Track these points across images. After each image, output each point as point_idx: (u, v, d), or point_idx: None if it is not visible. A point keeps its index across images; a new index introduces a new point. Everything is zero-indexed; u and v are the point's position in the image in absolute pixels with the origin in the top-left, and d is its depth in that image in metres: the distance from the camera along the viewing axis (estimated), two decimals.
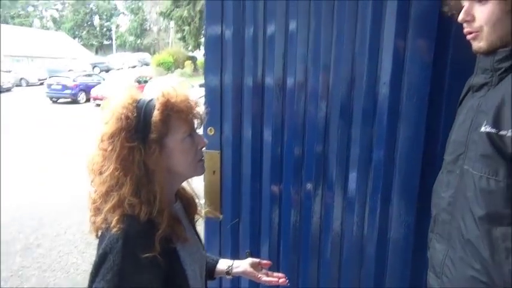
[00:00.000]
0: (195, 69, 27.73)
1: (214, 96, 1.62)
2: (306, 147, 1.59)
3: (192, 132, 0.97)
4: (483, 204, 1.04)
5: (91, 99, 17.36)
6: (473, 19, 1.05)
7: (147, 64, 33.71)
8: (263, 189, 1.64)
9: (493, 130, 1.01)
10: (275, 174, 1.62)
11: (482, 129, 1.04)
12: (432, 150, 1.48)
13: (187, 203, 1.08)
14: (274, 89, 1.59)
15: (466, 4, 1.06)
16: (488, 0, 1.01)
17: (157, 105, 0.91)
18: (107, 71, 30.55)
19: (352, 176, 1.56)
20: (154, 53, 37.29)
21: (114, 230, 0.84)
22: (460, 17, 1.08)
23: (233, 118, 1.62)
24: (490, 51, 1.06)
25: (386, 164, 1.52)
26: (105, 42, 56.42)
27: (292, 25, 1.56)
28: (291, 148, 1.60)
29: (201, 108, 0.98)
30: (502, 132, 0.99)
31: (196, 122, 0.99)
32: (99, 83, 19.53)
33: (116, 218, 0.85)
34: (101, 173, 0.89)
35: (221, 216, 1.46)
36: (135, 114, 0.90)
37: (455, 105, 1.36)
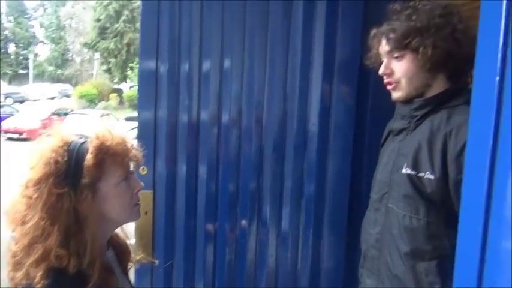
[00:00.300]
0: (121, 102, 26.84)
1: (147, 133, 1.58)
2: (241, 184, 1.61)
3: (127, 175, 0.92)
4: (407, 241, 1.12)
5: (1, 132, 15.83)
6: (392, 72, 1.18)
7: (67, 96, 31.85)
8: (198, 228, 1.60)
9: (413, 172, 1.12)
10: (210, 211, 1.60)
11: (403, 171, 1.14)
12: (358, 186, 1.59)
13: (120, 250, 1.01)
14: (210, 125, 1.60)
15: (385, 59, 1.20)
16: (403, 57, 1.14)
17: (91, 149, 0.86)
18: (22, 101, 28.25)
19: (286, 212, 1.61)
20: (76, 84, 35.49)
21: (38, 286, 0.77)
22: (381, 71, 1.21)
23: (167, 155, 1.59)
24: (407, 100, 1.19)
25: (316, 199, 1.59)
26: (21, 72, 52.50)
27: (227, 63, 1.60)
28: (226, 185, 1.61)
29: (138, 151, 0.95)
30: (421, 174, 1.10)
31: (132, 164, 0.95)
32: (12, 114, 17.94)
33: (40, 273, 0.78)
34: (23, 223, 0.82)
35: (157, 262, 1.39)
36: (65, 158, 0.84)
37: (377, 145, 1.48)
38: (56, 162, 0.83)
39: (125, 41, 30.40)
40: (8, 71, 51.00)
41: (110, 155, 0.88)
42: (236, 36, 1.59)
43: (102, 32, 31.09)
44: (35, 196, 0.81)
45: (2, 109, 18.53)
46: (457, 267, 0.76)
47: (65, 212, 0.82)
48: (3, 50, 52.20)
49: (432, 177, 1.08)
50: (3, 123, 15.93)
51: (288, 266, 1.61)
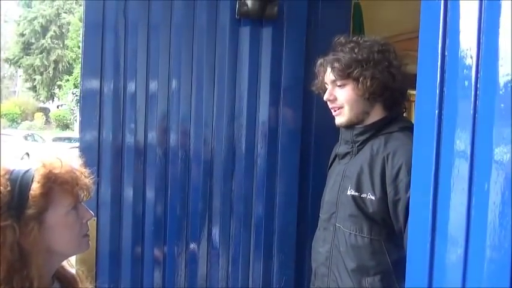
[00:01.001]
0: (47, 121, 25.15)
1: (90, 155, 1.50)
2: (190, 206, 1.59)
3: (76, 204, 0.88)
4: (354, 258, 1.21)
5: None
6: (335, 99, 1.28)
7: None
8: (145, 254, 1.54)
9: (356, 193, 1.22)
10: (158, 236, 1.55)
11: (348, 192, 1.23)
12: (304, 206, 1.65)
13: (67, 282, 0.95)
14: (157, 147, 1.57)
15: (329, 87, 1.29)
16: (345, 86, 1.24)
17: (38, 177, 0.81)
18: None
19: (236, 233, 1.60)
20: None
21: None
22: (325, 97, 1.30)
23: (112, 179, 1.52)
24: (348, 126, 1.29)
25: (266, 220, 1.62)
26: None
27: (175, 84, 1.59)
28: (174, 208, 1.57)
29: (88, 179, 0.90)
30: (363, 195, 1.20)
31: (82, 194, 0.90)
32: None
33: None
34: None
35: None
36: (8, 188, 0.78)
37: (321, 166, 1.56)
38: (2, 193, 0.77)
39: (52, 57, 28.68)
40: None
41: (58, 184, 0.83)
42: (184, 57, 1.58)
43: (27, 48, 29.07)
44: None
45: None
46: (407, 281, 0.82)
47: (8, 247, 0.76)
48: None
49: (373, 197, 1.18)
50: None
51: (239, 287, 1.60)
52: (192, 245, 1.58)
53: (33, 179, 0.81)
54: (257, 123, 1.62)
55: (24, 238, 0.78)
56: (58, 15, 29.35)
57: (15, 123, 22.87)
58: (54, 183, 0.82)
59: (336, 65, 1.23)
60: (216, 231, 1.60)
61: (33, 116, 24.83)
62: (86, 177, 0.89)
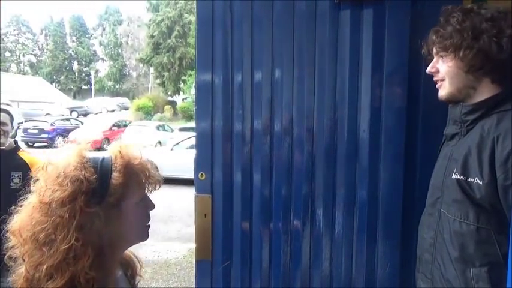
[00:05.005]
0: (175, 113, 27.95)
1: (205, 142, 1.69)
2: (294, 189, 1.66)
3: (145, 195, 0.92)
4: (457, 246, 1.13)
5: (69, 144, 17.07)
6: (437, 71, 1.22)
7: (126, 108, 33.71)
8: (253, 230, 1.67)
9: (462, 177, 1.13)
10: (265, 215, 1.67)
11: (453, 176, 1.15)
12: (411, 191, 1.59)
13: (127, 266, 0.99)
14: (262, 134, 1.67)
15: (434, 58, 1.23)
16: (446, 57, 1.17)
17: (118, 167, 0.84)
18: (85, 115, 30.34)
19: (339, 217, 1.63)
20: (133, 97, 37.55)
21: None
22: (428, 70, 1.25)
23: (223, 163, 1.68)
24: (451, 101, 1.21)
25: (369, 205, 1.60)
26: (84, 87, 56.49)
27: (278, 73, 1.67)
28: (279, 190, 1.66)
29: (158, 172, 0.93)
30: (470, 179, 1.11)
31: (151, 186, 0.93)
32: (78, 127, 19.37)
33: None
34: (47, 245, 0.76)
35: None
36: (94, 176, 0.81)
37: (430, 148, 1.48)
38: (86, 180, 0.79)
39: (177, 55, 31.74)
40: (72, 87, 55.08)
41: (135, 174, 0.87)
42: (285, 47, 1.64)
43: (156, 48, 32.71)
44: (66, 216, 0.76)
45: (68, 122, 20.10)
46: (509, 276, 0.75)
47: (95, 233, 0.80)
48: (68, 68, 56.47)
49: (481, 182, 1.08)
50: (70, 135, 17.24)
51: (342, 270, 1.63)
52: (296, 225, 1.65)
53: (111, 167, 0.84)
54: (359, 106, 1.60)
55: (106, 225, 0.82)
56: (181, 16, 32.21)
57: (149, 116, 25.98)
58: (132, 173, 0.86)
59: (437, 35, 1.18)
60: (319, 213, 1.64)
61: (163, 109, 27.84)
62: (156, 170, 0.93)
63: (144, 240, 0.93)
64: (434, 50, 1.22)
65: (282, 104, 1.67)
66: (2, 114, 2.23)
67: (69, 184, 0.77)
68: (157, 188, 0.93)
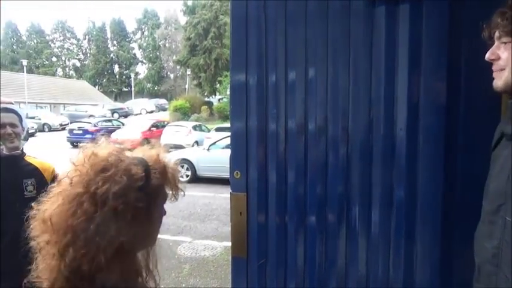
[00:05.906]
0: (211, 113, 28.37)
1: (239, 141, 1.71)
2: (329, 189, 1.64)
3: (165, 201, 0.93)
4: None
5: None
6: (497, 58, 1.11)
7: (164, 109, 34.64)
8: (288, 229, 1.68)
9: None
10: (299, 214, 1.67)
11: None
12: (451, 192, 1.53)
13: None
14: (297, 133, 1.68)
15: (495, 43, 1.12)
16: (509, 44, 1.07)
17: (159, 170, 0.87)
18: (126, 116, 31.50)
19: (375, 217, 1.60)
20: (171, 98, 38.49)
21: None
22: (487, 56, 1.13)
23: (258, 162, 1.69)
24: (506, 92, 1.11)
25: (407, 206, 1.56)
26: (124, 89, 58.63)
27: (312, 72, 1.66)
28: (314, 189, 1.65)
29: (181, 184, 0.93)
30: None
31: (177, 194, 0.93)
32: (119, 127, 20.17)
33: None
34: (98, 236, 0.75)
35: None
36: (142, 174, 0.82)
37: (472, 146, 1.42)
38: (138, 175, 0.81)
39: (213, 56, 32.25)
40: (113, 89, 57.31)
41: (167, 179, 0.89)
42: (319, 45, 1.63)
43: (193, 50, 33.40)
44: (121, 207, 0.77)
45: (110, 123, 20.96)
46: None
47: (145, 227, 0.83)
48: (109, 71, 58.80)
49: None
50: (112, 135, 17.95)
51: (379, 272, 1.60)
52: (331, 224, 1.64)
53: (150, 168, 0.85)
54: (396, 104, 1.56)
55: (148, 224, 0.85)
56: (216, 17, 32.70)
57: (186, 116, 26.53)
58: (165, 178, 0.88)
59: (502, 18, 1.06)
60: (355, 213, 1.62)
61: (200, 109, 28.34)
62: (180, 181, 0.93)
63: (151, 245, 0.92)
64: (496, 34, 1.11)
65: (316, 103, 1.66)
66: (9, 114, 1.97)
67: (123, 177, 0.78)
68: (177, 197, 0.93)
